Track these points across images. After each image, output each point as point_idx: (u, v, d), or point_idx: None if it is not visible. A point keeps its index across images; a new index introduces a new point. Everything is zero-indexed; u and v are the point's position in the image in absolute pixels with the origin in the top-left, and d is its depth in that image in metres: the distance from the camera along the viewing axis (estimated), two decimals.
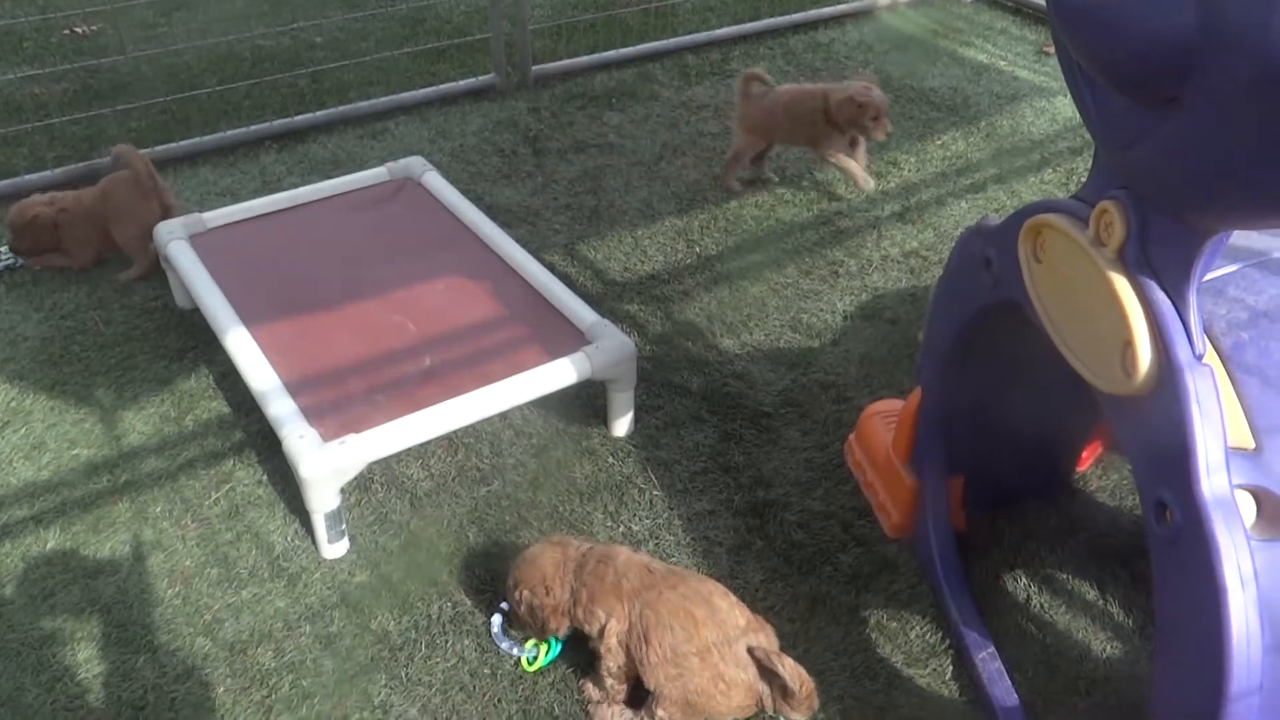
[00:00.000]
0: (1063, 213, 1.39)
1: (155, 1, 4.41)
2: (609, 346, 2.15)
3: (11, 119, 3.44)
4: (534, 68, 3.82)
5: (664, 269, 2.85)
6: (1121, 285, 1.29)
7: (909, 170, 3.32)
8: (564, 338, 2.21)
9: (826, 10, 4.41)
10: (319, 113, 3.50)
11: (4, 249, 2.76)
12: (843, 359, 2.52)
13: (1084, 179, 1.44)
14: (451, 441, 2.25)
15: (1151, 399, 1.28)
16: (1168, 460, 1.25)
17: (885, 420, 2.10)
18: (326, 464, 1.88)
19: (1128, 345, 1.28)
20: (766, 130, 3.10)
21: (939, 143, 3.48)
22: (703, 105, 3.71)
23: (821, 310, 2.69)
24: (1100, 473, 2.19)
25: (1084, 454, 2.16)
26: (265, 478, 2.17)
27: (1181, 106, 1.12)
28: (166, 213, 2.71)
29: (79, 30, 4.08)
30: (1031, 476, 2.08)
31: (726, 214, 3.09)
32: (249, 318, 2.27)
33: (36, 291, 2.69)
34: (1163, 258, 1.27)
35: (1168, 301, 1.26)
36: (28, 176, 3.10)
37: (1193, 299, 1.25)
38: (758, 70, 3.14)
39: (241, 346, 2.18)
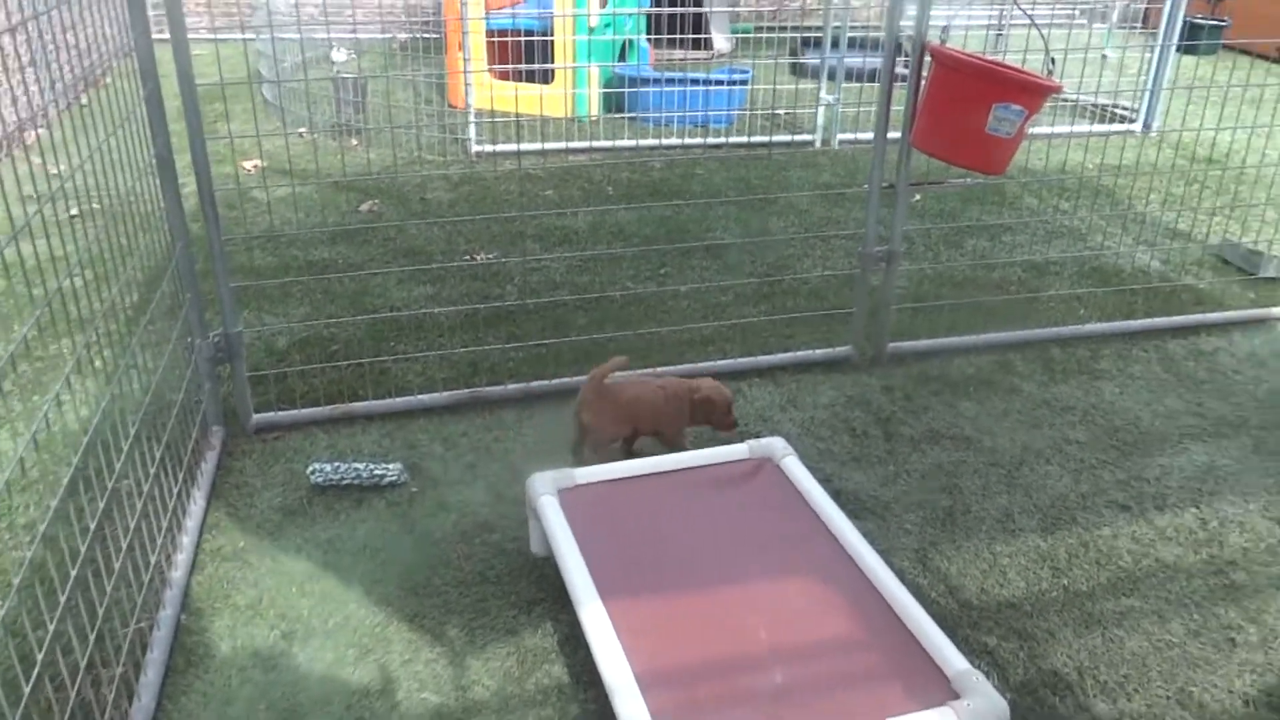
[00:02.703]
0: None
1: (541, 234, 4.88)
2: (981, 708, 1.96)
3: (414, 336, 3.84)
4: (890, 344, 3.80)
5: (1025, 598, 2.62)
6: None
7: None
8: (928, 683, 2.04)
9: (1213, 315, 4.11)
10: (678, 366, 3.64)
11: (395, 465, 3.00)
12: None
13: None
14: None
15: None
16: None
17: None
18: None
19: None
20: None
21: None
22: (1068, 407, 3.50)
23: (1215, 687, 2.34)
24: None
25: None
26: None
27: None
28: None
29: (478, 258, 4.55)
30: None
31: (1098, 542, 2.83)
32: (605, 590, 2.28)
33: (411, 514, 2.89)
34: None
35: None
36: (420, 396, 3.41)
37: None
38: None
39: (596, 625, 2.18)
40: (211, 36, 7.37)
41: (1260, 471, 3.16)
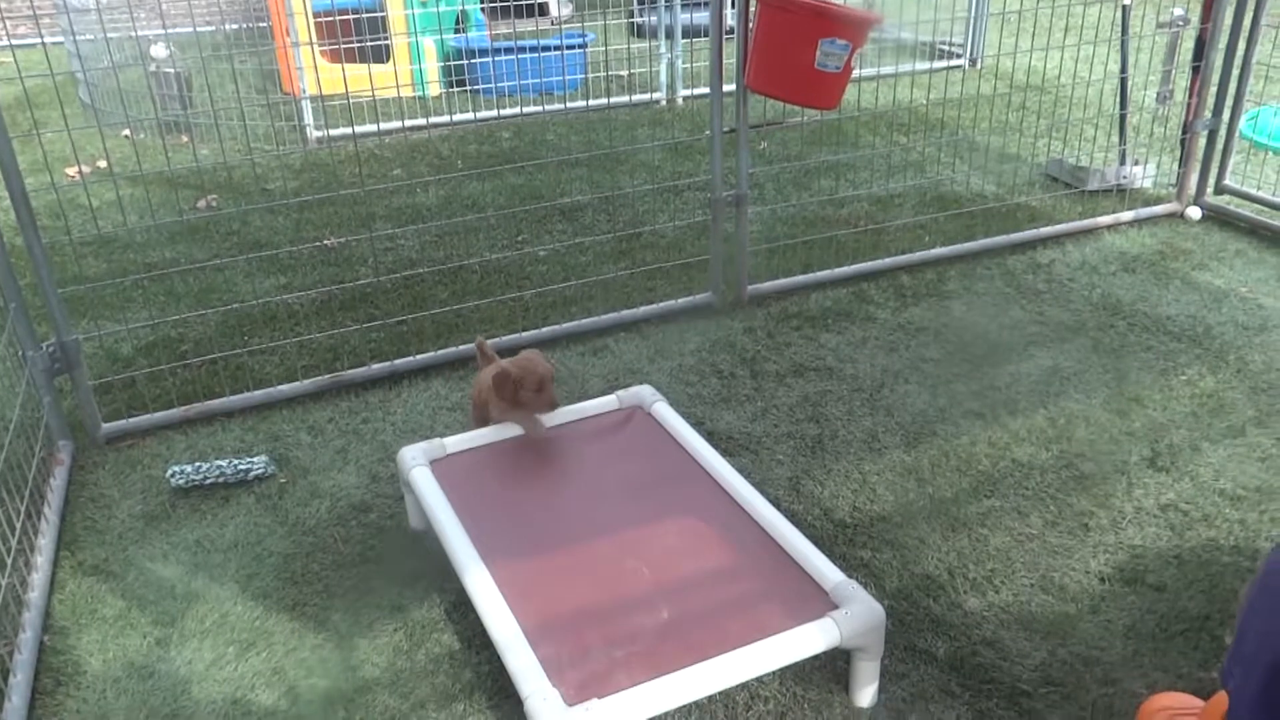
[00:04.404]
0: None
1: (392, 214, 4.77)
2: (859, 613, 2.03)
3: (267, 328, 3.72)
4: (749, 286, 3.88)
5: (895, 510, 2.72)
6: None
7: (1154, 409, 3.12)
8: (808, 598, 2.11)
9: (1045, 230, 4.33)
10: (544, 329, 3.63)
11: (260, 458, 2.91)
12: (1104, 630, 2.30)
13: None
14: None
15: None
16: None
17: None
18: None
19: None
20: None
21: (1184, 378, 3.27)
22: (921, 328, 3.64)
23: (1073, 570, 2.49)
24: None
25: None
26: None
27: None
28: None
29: (328, 243, 4.43)
30: None
31: (958, 450, 2.96)
32: (486, 553, 2.27)
33: (282, 504, 2.81)
34: None
35: None
36: (280, 387, 3.30)
37: None
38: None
39: (481, 587, 2.17)
40: (9, 43, 6.92)
41: (1099, 369, 3.36)
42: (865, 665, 2.09)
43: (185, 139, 5.81)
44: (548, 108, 6.22)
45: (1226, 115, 4.39)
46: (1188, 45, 4.54)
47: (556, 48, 6.56)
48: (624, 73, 6.82)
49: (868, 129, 5.71)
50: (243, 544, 2.66)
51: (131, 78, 6.19)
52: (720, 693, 2.16)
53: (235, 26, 7.88)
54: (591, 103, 6.32)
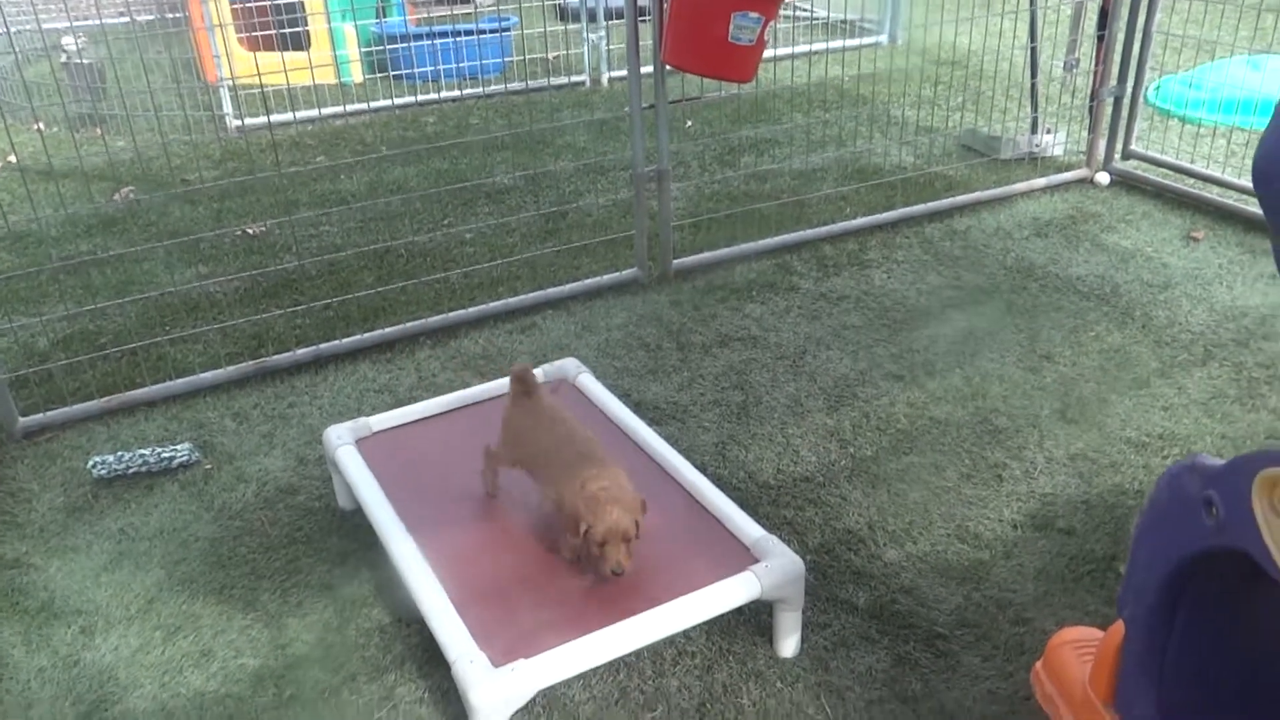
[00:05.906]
0: None
1: (316, 201, 4.73)
2: (778, 566, 2.09)
3: (189, 317, 3.67)
4: (674, 261, 3.92)
5: (818, 471, 2.79)
6: None
7: (1064, 365, 3.23)
8: (730, 554, 2.16)
9: (961, 198, 4.44)
10: (471, 309, 3.64)
11: (184, 445, 2.88)
12: (1017, 574, 2.39)
13: (1254, 373, 1.35)
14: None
15: None
16: None
17: (1078, 651, 1.96)
18: (498, 692, 1.84)
19: None
20: None
21: (1092, 334, 3.39)
22: (843, 296, 3.72)
23: (988, 519, 2.58)
24: None
25: None
26: (426, 694, 2.13)
27: None
28: None
29: (250, 230, 4.38)
30: None
31: (878, 411, 3.04)
32: (414, 527, 2.29)
33: (208, 490, 2.79)
34: None
35: None
36: (203, 374, 3.27)
37: None
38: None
39: (409, 560, 2.19)
40: None
41: (1013, 329, 3.46)
42: (787, 616, 2.15)
43: (98, 131, 5.67)
44: (467, 92, 6.18)
45: (1131, 82, 4.53)
46: (1093, 17, 4.67)
47: (479, 32, 6.53)
48: (548, 55, 6.81)
49: (790, 105, 5.78)
50: (168, 531, 2.64)
51: (42, 70, 6.03)
52: (648, 649, 2.20)
53: (150, 18, 7.70)
54: (512, 86, 6.30)
